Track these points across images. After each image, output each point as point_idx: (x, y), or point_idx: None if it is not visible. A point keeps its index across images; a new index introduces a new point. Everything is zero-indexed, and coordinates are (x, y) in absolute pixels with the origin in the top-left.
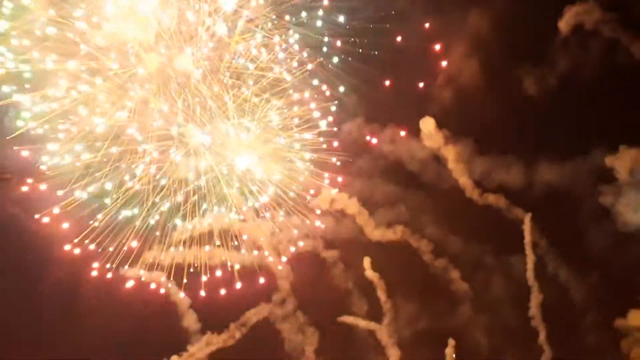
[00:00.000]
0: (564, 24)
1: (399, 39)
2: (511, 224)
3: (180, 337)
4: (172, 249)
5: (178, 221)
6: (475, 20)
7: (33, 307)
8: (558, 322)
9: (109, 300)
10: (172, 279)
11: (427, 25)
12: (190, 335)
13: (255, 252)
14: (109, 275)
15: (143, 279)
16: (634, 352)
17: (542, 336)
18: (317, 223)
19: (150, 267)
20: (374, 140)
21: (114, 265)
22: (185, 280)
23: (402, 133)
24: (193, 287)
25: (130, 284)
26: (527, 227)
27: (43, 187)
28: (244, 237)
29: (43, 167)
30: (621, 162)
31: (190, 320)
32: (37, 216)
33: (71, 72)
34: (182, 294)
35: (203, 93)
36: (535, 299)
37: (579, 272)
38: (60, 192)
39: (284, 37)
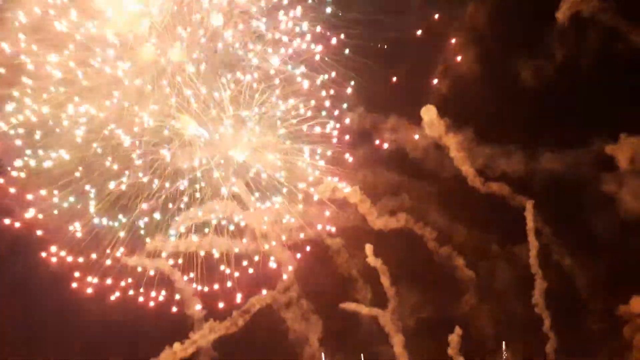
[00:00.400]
0: (562, 13)
1: (396, 30)
2: (514, 212)
3: (183, 324)
4: (174, 237)
5: (172, 232)
6: (474, 10)
7: (31, 299)
8: (562, 309)
9: (112, 288)
10: (175, 267)
11: (425, 16)
12: (193, 323)
13: (259, 241)
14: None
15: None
16: (636, 338)
17: (546, 324)
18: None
19: (153, 255)
20: (385, 145)
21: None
22: (188, 268)
23: (416, 137)
24: (196, 275)
25: (133, 272)
26: (529, 214)
27: (12, 190)
28: (247, 225)
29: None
30: (621, 150)
31: (193, 308)
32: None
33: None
34: (185, 282)
35: (197, 85)
36: (539, 287)
37: (583, 259)
38: (30, 196)
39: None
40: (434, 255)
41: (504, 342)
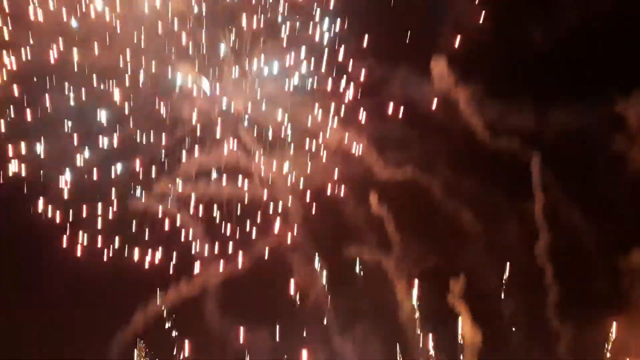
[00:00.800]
0: None
1: None
2: (522, 166)
3: (190, 263)
4: (180, 181)
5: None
6: None
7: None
8: (564, 262)
9: (117, 231)
10: (182, 210)
11: None
12: (200, 263)
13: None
14: None
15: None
16: (636, 292)
17: (548, 275)
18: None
19: (160, 198)
20: (396, 101)
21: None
22: (194, 213)
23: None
24: (203, 218)
25: (140, 213)
26: (535, 167)
27: None
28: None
29: None
30: (632, 109)
31: (201, 248)
32: None
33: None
34: (191, 224)
35: (197, 34)
36: (543, 240)
37: (587, 214)
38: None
39: None
40: (441, 207)
41: (504, 292)
